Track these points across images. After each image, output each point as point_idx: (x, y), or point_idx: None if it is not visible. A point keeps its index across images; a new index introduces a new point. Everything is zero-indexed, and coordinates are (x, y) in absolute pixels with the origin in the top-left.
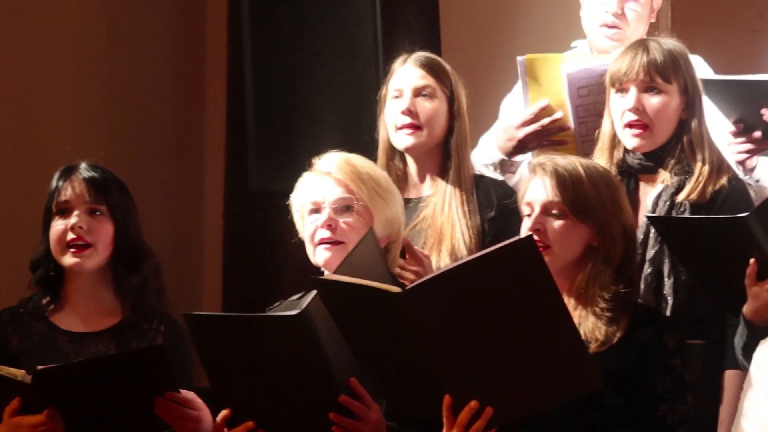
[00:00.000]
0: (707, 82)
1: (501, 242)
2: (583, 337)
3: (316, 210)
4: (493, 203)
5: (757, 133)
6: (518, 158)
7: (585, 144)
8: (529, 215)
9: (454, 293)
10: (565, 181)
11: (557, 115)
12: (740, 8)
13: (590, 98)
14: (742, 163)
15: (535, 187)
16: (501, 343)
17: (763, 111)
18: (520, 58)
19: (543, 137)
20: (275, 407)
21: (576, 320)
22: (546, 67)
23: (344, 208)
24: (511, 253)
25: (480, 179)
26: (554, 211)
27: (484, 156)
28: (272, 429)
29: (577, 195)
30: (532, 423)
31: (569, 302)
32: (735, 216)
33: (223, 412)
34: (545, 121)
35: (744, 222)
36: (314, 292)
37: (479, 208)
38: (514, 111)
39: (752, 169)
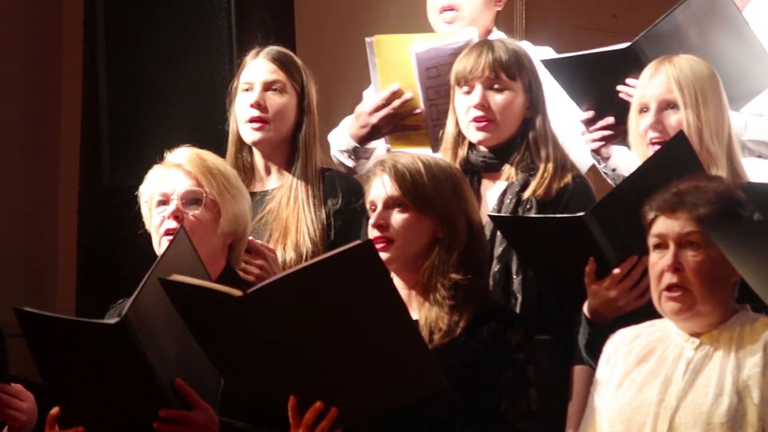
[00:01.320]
0: (553, 63)
1: (345, 238)
2: (426, 327)
3: (164, 201)
4: (339, 196)
5: (610, 119)
6: (372, 144)
7: (436, 128)
8: (374, 213)
9: (295, 297)
10: (404, 176)
11: (407, 95)
12: (593, 9)
13: (440, 79)
14: (597, 151)
15: (376, 186)
16: (343, 345)
17: (619, 87)
18: (368, 39)
19: (396, 121)
20: (102, 410)
21: (420, 311)
22: (394, 47)
23: (192, 200)
24: (351, 257)
25: (326, 172)
26: (396, 206)
27: (339, 142)
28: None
29: (417, 187)
30: (378, 422)
31: (414, 295)
32: (572, 216)
33: (54, 410)
34: (396, 103)
35: (581, 221)
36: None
37: (324, 201)
38: (366, 96)
39: (608, 158)
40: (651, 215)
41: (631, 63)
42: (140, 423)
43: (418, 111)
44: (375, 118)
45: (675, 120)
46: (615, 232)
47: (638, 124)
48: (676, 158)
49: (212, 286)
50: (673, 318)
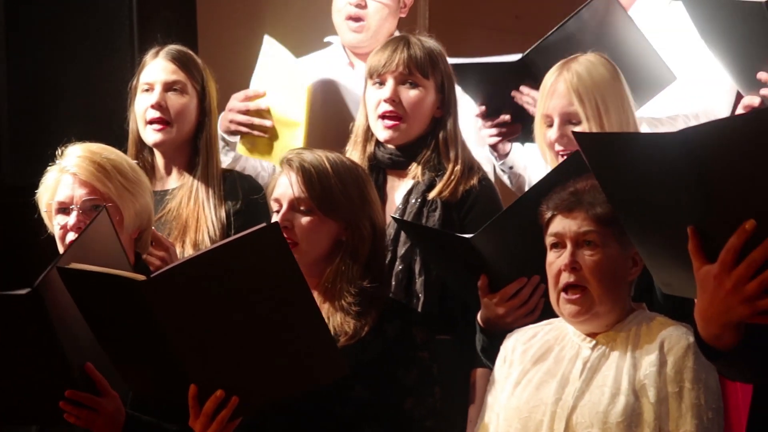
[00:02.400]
0: (454, 66)
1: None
2: (331, 331)
3: (64, 210)
4: (239, 196)
5: (506, 116)
6: (233, 138)
7: None
8: (277, 212)
9: (199, 281)
10: (311, 177)
11: (261, 105)
12: (497, 10)
13: None
14: (494, 147)
15: (282, 184)
16: (246, 332)
17: (513, 93)
18: (266, 37)
19: (245, 123)
20: (11, 389)
21: (325, 315)
22: (279, 58)
23: (92, 208)
24: (256, 241)
25: (227, 173)
26: (302, 208)
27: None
28: (6, 409)
29: (324, 190)
30: (281, 419)
31: (318, 298)
32: (461, 236)
33: None
34: (250, 105)
35: (470, 243)
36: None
37: (225, 201)
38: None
39: (506, 155)
40: (548, 215)
41: (524, 75)
42: (49, 404)
43: (268, 124)
44: (230, 115)
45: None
46: (508, 249)
47: (544, 135)
48: (572, 175)
49: (114, 272)
50: (570, 320)
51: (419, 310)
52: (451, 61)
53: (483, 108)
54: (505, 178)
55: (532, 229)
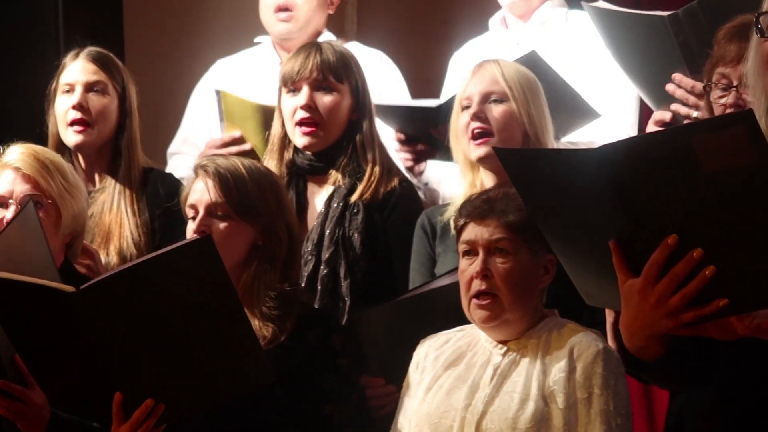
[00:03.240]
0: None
1: (169, 240)
2: None
3: (2, 204)
4: (161, 198)
5: (420, 146)
6: None
7: None
8: (193, 218)
9: (130, 292)
10: (228, 182)
11: (245, 146)
12: (425, 15)
13: None
14: (410, 168)
15: (198, 190)
16: (176, 341)
17: (432, 131)
18: (216, 89)
19: None
20: None
21: None
22: (238, 107)
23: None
24: (189, 252)
25: (149, 173)
26: (219, 213)
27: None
28: None
29: (241, 195)
30: (202, 425)
31: None
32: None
33: None
34: (233, 149)
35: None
36: None
37: (148, 204)
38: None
39: (421, 173)
40: (461, 222)
41: (442, 119)
42: None
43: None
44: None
45: (500, 111)
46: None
47: (459, 121)
48: None
49: (41, 282)
50: (481, 326)
51: (345, 313)
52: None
53: (401, 136)
54: (420, 194)
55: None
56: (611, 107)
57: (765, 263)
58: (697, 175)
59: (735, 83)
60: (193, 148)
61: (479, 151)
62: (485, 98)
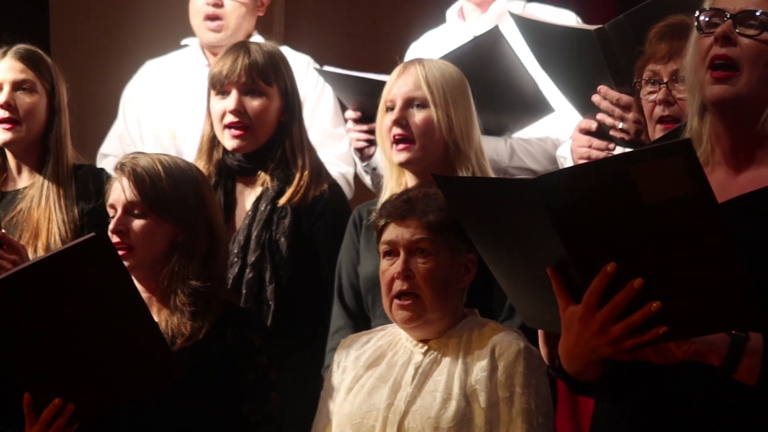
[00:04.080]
0: (330, 75)
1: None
2: (169, 333)
3: None
4: (92, 195)
5: (366, 126)
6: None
7: None
8: (114, 217)
9: (30, 291)
10: (143, 180)
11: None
12: (353, 16)
13: None
14: (360, 150)
15: (116, 189)
16: (79, 340)
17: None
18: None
19: None
20: None
21: (162, 317)
22: None
23: None
24: (84, 251)
25: (78, 170)
26: (135, 211)
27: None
28: None
29: (156, 193)
30: (119, 424)
31: (155, 300)
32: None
33: None
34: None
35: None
36: None
37: (77, 200)
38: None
39: (370, 157)
40: (381, 222)
41: None
42: None
43: None
44: None
45: (421, 117)
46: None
47: (383, 122)
48: None
49: None
50: (403, 326)
51: (270, 317)
52: (329, 69)
53: (358, 113)
54: (368, 179)
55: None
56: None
57: (702, 291)
58: (635, 204)
59: (665, 80)
60: (126, 147)
61: (400, 156)
62: (408, 103)
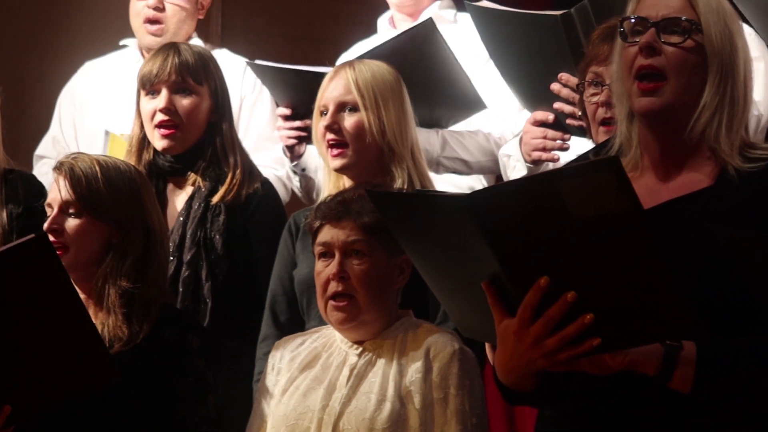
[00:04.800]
0: (262, 68)
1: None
2: (106, 337)
3: None
4: (20, 199)
5: (309, 121)
6: None
7: None
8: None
9: None
10: (79, 180)
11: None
12: (290, 17)
13: None
14: (290, 148)
15: (53, 189)
16: (17, 340)
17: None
18: (105, 130)
19: None
20: None
21: (98, 320)
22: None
23: None
24: (23, 252)
25: (9, 174)
26: (71, 211)
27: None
28: None
29: (92, 193)
30: (55, 425)
31: (91, 301)
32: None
33: None
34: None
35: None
36: None
37: (7, 204)
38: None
39: (300, 156)
40: (317, 224)
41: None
42: None
43: None
44: None
45: (352, 121)
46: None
47: (318, 127)
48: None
49: None
50: (338, 328)
51: (208, 316)
52: (262, 63)
53: (288, 110)
54: (296, 181)
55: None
56: (495, 108)
57: (635, 303)
58: (566, 220)
59: (607, 82)
60: (60, 150)
61: (335, 163)
62: (339, 107)
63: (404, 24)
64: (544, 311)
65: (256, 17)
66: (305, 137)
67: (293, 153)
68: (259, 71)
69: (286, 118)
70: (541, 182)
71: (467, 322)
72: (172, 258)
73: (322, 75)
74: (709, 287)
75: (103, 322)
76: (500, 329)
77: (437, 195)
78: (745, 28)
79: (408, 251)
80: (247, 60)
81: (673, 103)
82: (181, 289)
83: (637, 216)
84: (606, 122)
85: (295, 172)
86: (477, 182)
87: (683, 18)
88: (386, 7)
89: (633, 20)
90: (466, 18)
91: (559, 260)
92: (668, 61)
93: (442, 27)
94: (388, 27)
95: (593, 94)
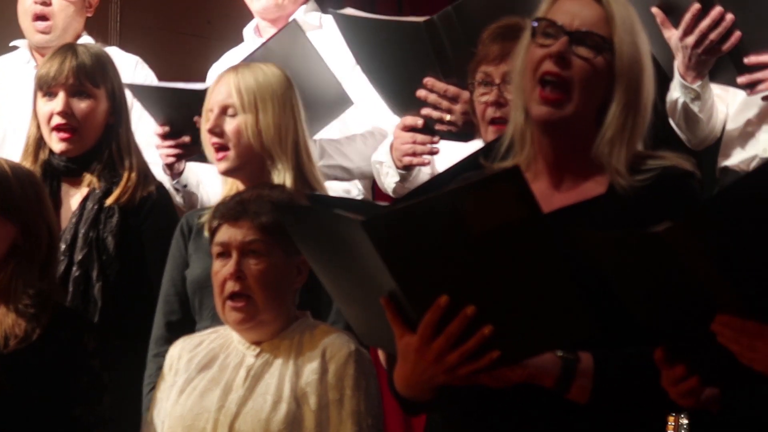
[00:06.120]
0: (134, 87)
1: None
2: (2, 334)
3: None
4: None
5: (186, 138)
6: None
7: None
8: None
9: None
10: None
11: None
12: (189, 15)
13: None
14: (170, 166)
15: None
16: None
17: (195, 119)
18: None
19: None
20: None
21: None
22: None
23: None
24: None
25: None
26: None
27: None
28: None
29: (4, 193)
30: None
31: None
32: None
33: None
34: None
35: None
36: None
37: None
38: None
39: (180, 173)
40: (215, 223)
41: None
42: None
43: None
44: None
45: (232, 125)
46: None
47: (205, 129)
48: None
49: None
50: (235, 328)
51: (97, 315)
52: (135, 83)
53: (166, 128)
54: (178, 198)
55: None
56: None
57: (534, 311)
58: (465, 235)
59: (497, 81)
60: None
61: (220, 166)
62: (222, 111)
63: (270, 31)
64: (444, 327)
65: (155, 15)
66: (183, 154)
67: (173, 170)
68: (135, 91)
69: (163, 137)
70: (439, 202)
71: (368, 332)
72: (63, 257)
73: (198, 92)
74: (598, 295)
75: (1, 320)
76: (401, 345)
77: (336, 214)
78: None
79: (309, 261)
80: (125, 82)
81: (571, 116)
82: (71, 288)
83: (538, 223)
84: (495, 121)
85: (177, 189)
86: (353, 186)
87: (598, 34)
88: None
89: (547, 23)
90: (331, 21)
91: (458, 276)
92: (575, 73)
93: (307, 32)
94: (254, 36)
95: (483, 94)
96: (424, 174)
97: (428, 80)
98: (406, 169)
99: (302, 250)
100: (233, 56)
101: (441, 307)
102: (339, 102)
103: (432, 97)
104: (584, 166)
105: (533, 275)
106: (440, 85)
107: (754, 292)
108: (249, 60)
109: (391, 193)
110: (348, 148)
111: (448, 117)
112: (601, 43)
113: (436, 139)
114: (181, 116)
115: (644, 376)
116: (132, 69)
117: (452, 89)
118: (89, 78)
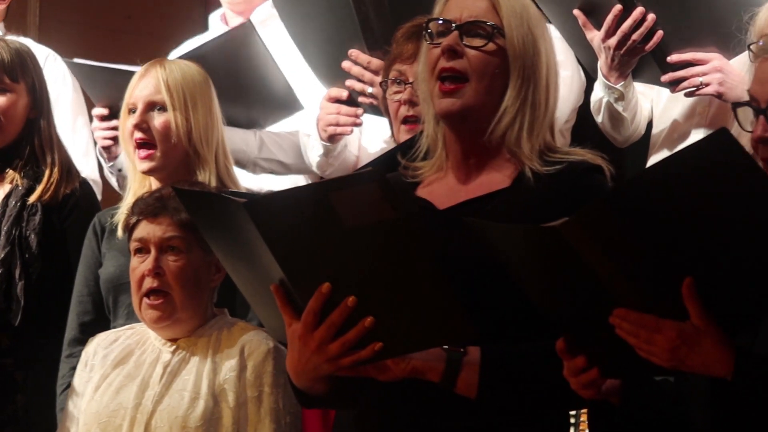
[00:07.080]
0: (76, 65)
1: None
2: None
3: None
4: None
5: (114, 122)
6: None
7: None
8: None
9: None
10: None
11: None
12: (108, 10)
13: None
14: (107, 149)
15: None
16: None
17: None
18: None
19: None
20: None
21: None
22: None
23: None
24: None
25: None
26: None
27: None
28: None
29: None
30: None
31: None
32: None
33: None
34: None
35: None
36: None
37: None
38: None
39: (116, 157)
40: (133, 219)
41: None
42: None
43: None
44: None
45: (161, 121)
46: None
47: (125, 125)
48: None
49: None
50: (152, 326)
51: (20, 314)
52: (78, 61)
53: (105, 110)
54: (113, 181)
55: None
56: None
57: (413, 308)
58: (338, 229)
59: (410, 80)
60: None
61: (143, 165)
62: (149, 107)
63: (236, 20)
64: (327, 316)
65: (74, 9)
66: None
67: (110, 154)
68: (77, 69)
69: (102, 118)
70: (312, 192)
71: (273, 323)
72: None
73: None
74: (500, 287)
75: None
76: (289, 333)
77: (225, 197)
78: (555, 30)
79: (215, 251)
80: (65, 58)
81: (472, 105)
82: None
83: (408, 224)
84: (408, 120)
85: (111, 173)
86: (299, 182)
87: (486, 22)
88: (210, 3)
89: (439, 22)
90: None
91: (337, 267)
92: (470, 63)
93: (274, 24)
94: (220, 24)
95: (396, 92)
96: (349, 152)
97: (352, 52)
98: (330, 141)
99: (208, 240)
100: (196, 44)
101: (323, 294)
102: (287, 106)
103: (355, 69)
104: (492, 161)
105: (409, 274)
106: (363, 57)
107: (651, 286)
108: (198, 52)
109: (315, 169)
110: (288, 142)
111: (369, 89)
112: (490, 31)
113: (360, 111)
114: (121, 98)
115: (542, 369)
116: (43, 60)
117: (375, 62)
118: (7, 73)
